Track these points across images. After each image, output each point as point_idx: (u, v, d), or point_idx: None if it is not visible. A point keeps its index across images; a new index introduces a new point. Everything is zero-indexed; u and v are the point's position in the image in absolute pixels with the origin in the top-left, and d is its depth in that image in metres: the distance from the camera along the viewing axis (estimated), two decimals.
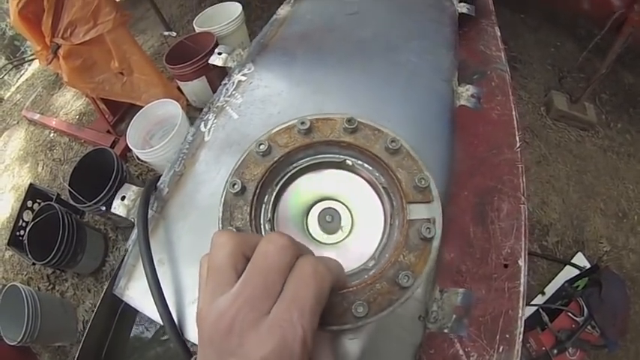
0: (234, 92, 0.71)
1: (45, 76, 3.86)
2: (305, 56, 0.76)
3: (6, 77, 4.37)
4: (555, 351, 1.46)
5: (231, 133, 0.64)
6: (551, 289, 1.76)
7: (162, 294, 0.50)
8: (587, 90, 2.31)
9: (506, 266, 0.78)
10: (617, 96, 2.62)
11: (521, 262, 0.78)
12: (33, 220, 2.10)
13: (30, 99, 3.61)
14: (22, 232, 2.25)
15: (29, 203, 2.32)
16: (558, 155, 2.30)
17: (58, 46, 2.04)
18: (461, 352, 0.68)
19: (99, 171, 2.08)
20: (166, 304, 0.49)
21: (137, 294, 0.56)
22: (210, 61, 0.82)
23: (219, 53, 0.82)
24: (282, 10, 0.93)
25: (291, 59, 0.76)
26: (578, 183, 2.19)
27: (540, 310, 1.54)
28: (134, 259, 0.57)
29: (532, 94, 2.59)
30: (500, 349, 0.66)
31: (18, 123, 3.47)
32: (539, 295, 1.75)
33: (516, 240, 0.82)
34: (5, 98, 4.09)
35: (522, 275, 0.76)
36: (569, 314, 1.51)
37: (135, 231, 0.59)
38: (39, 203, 2.30)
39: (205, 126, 0.67)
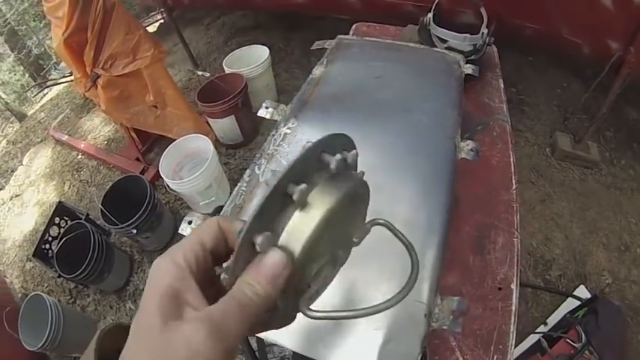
0: (281, 142, 0.93)
1: (70, 98, 4.15)
2: (338, 114, 0.98)
3: (29, 94, 4.65)
4: None
5: None
6: (553, 319, 1.88)
7: None
8: (589, 130, 2.49)
9: (500, 289, 0.97)
10: (620, 132, 2.79)
11: (513, 286, 0.96)
12: (65, 235, 2.26)
13: (57, 119, 3.86)
14: (47, 246, 2.40)
15: (56, 220, 2.46)
16: (562, 193, 2.45)
17: (98, 76, 2.26)
18: (460, 359, 0.85)
19: (128, 196, 2.27)
20: None
21: None
22: (259, 114, 1.04)
23: (267, 107, 1.04)
24: (317, 71, 1.15)
25: (327, 116, 0.98)
26: (581, 219, 2.33)
27: (541, 337, 1.68)
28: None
29: (538, 136, 2.77)
30: (495, 358, 0.83)
31: (43, 141, 3.70)
32: (542, 326, 1.87)
33: (509, 267, 1.01)
34: (29, 115, 4.36)
35: (514, 297, 0.94)
36: (568, 340, 1.63)
37: None
38: (66, 221, 2.46)
39: (259, 169, 0.88)
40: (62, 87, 4.44)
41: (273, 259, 0.31)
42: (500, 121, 1.36)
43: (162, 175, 2.23)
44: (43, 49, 5.47)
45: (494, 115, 1.38)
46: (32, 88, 4.69)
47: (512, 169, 1.20)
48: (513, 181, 1.17)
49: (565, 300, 1.95)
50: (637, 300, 2.06)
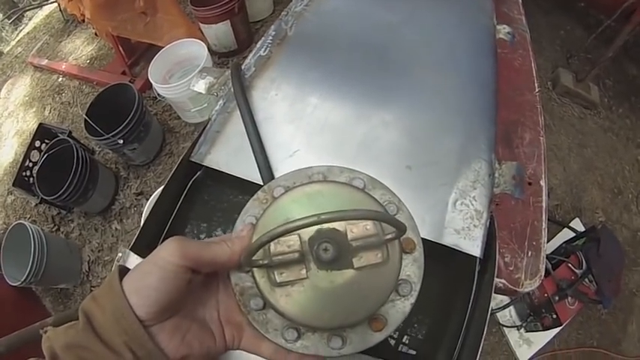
0: (310, 2, 0.84)
1: (48, 28, 3.87)
2: None
3: (4, 34, 4.33)
4: (557, 298, 1.61)
5: (312, 32, 0.78)
6: (549, 248, 1.90)
7: (260, 138, 0.63)
8: (592, 71, 2.45)
9: (530, 184, 0.92)
10: (620, 84, 2.78)
11: (542, 183, 0.92)
12: (46, 153, 2.12)
13: (35, 47, 3.61)
14: (28, 173, 2.27)
15: (37, 143, 2.31)
16: (561, 127, 2.45)
17: None
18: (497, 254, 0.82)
19: (115, 108, 2.12)
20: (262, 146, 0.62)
21: (222, 156, 0.65)
22: None
23: None
24: None
25: None
26: (579, 155, 2.35)
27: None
28: (218, 125, 0.67)
29: (540, 69, 2.67)
30: (529, 254, 0.79)
31: (22, 72, 3.48)
32: None
33: (537, 164, 0.96)
34: (5, 52, 4.06)
35: (544, 193, 0.90)
36: (570, 265, 1.66)
37: (219, 102, 0.71)
38: (47, 143, 2.28)
39: (286, 24, 0.80)
40: (39, 19, 4.14)
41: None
42: (521, 30, 1.31)
43: (152, 81, 2.09)
44: None
45: (513, 24, 1.33)
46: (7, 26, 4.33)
47: (534, 73, 1.16)
48: (536, 85, 1.13)
49: (561, 230, 1.98)
50: (626, 244, 2.11)
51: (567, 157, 2.33)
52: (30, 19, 4.33)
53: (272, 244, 0.35)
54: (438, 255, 0.57)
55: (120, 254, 0.58)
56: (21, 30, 4.31)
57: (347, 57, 0.75)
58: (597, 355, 1.82)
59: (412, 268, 0.38)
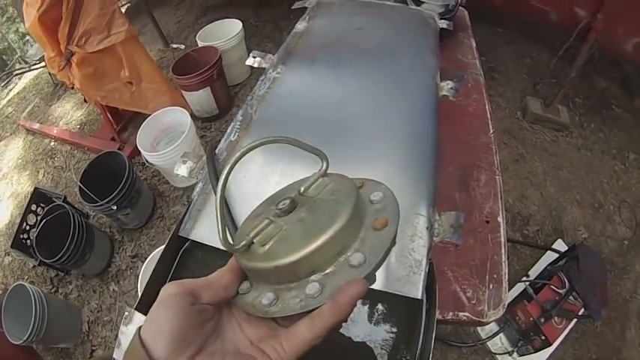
0: (271, 85, 0.97)
1: (38, 89, 4.05)
2: (323, 60, 1.03)
3: None
4: (542, 320, 1.68)
5: (273, 114, 0.90)
6: (534, 272, 2.00)
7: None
8: (559, 94, 2.61)
9: (487, 222, 1.04)
10: (590, 99, 2.93)
11: (499, 219, 1.04)
12: (43, 219, 2.22)
13: (26, 110, 3.76)
14: (25, 236, 2.36)
15: (33, 207, 2.41)
16: (535, 154, 2.57)
17: (72, 54, 2.24)
18: (458, 289, 0.90)
19: (106, 174, 2.25)
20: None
21: (204, 231, 0.77)
22: (246, 63, 1.07)
23: (254, 57, 1.08)
24: (300, 26, 1.20)
25: (313, 62, 1.03)
26: (555, 178, 2.45)
27: (527, 285, 1.77)
28: (200, 205, 0.80)
29: (509, 101, 2.89)
30: (491, 286, 0.90)
31: (13, 134, 3.62)
32: (524, 278, 1.98)
33: (494, 202, 1.08)
34: None
35: (502, 229, 1.01)
36: (552, 287, 1.73)
37: (199, 185, 0.83)
38: (42, 207, 2.40)
39: (251, 109, 0.93)
40: (29, 80, 4.32)
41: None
42: (475, 75, 1.43)
43: (140, 149, 2.22)
44: (6, 43, 5.29)
45: (468, 69, 1.46)
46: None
47: (489, 116, 1.28)
48: (490, 126, 1.24)
49: (544, 253, 2.07)
50: (614, 254, 2.20)
51: (543, 182, 2.43)
52: (20, 79, 4.52)
53: (250, 233, 0.41)
54: (389, 299, 0.69)
55: (126, 313, 0.68)
56: (11, 90, 4.47)
57: (302, 135, 0.87)
58: None
59: (377, 195, 0.44)
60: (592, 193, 2.43)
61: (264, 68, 1.06)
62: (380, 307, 0.72)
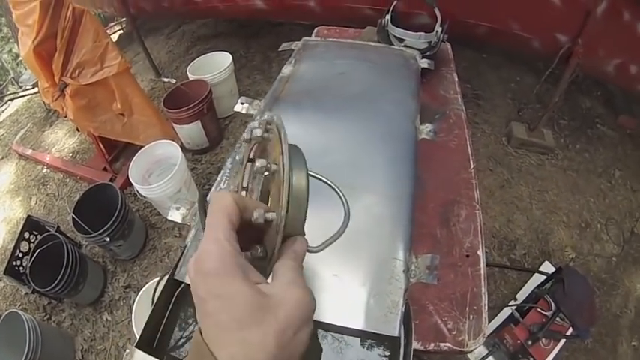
0: None
1: (31, 112, 4.12)
2: (308, 106, 1.11)
3: None
4: (530, 342, 1.72)
5: None
6: (522, 295, 2.05)
7: None
8: (543, 118, 2.71)
9: (467, 256, 1.09)
10: (575, 120, 3.03)
11: (479, 252, 1.09)
12: (37, 248, 2.24)
13: (19, 134, 3.81)
14: (18, 262, 2.37)
15: (26, 234, 2.42)
16: (520, 178, 2.65)
17: (66, 85, 2.31)
18: (439, 321, 0.96)
19: (99, 206, 2.30)
20: None
21: None
22: (235, 109, 1.15)
23: (242, 103, 1.15)
24: (286, 70, 1.28)
25: (298, 107, 1.10)
26: (541, 201, 2.53)
27: (513, 310, 1.82)
28: (192, 250, 0.86)
29: (494, 127, 2.98)
30: (471, 318, 0.95)
31: (5, 157, 3.66)
32: (512, 301, 2.02)
33: (474, 236, 1.14)
34: None
35: (482, 262, 1.07)
36: (539, 310, 1.78)
37: (192, 231, 0.90)
38: (35, 235, 2.43)
39: (239, 156, 0.99)
40: (21, 102, 4.39)
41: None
42: (456, 110, 1.51)
43: (133, 182, 2.27)
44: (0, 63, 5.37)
45: (450, 104, 1.54)
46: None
47: (469, 151, 1.35)
48: (471, 162, 1.32)
49: (532, 276, 2.12)
50: (602, 271, 2.26)
51: (529, 206, 2.50)
52: (12, 100, 4.59)
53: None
54: (370, 336, 0.75)
55: (127, 350, 0.74)
56: (3, 111, 4.53)
57: None
58: None
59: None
60: (579, 213, 2.50)
61: (252, 114, 1.13)
62: (360, 343, 0.78)
